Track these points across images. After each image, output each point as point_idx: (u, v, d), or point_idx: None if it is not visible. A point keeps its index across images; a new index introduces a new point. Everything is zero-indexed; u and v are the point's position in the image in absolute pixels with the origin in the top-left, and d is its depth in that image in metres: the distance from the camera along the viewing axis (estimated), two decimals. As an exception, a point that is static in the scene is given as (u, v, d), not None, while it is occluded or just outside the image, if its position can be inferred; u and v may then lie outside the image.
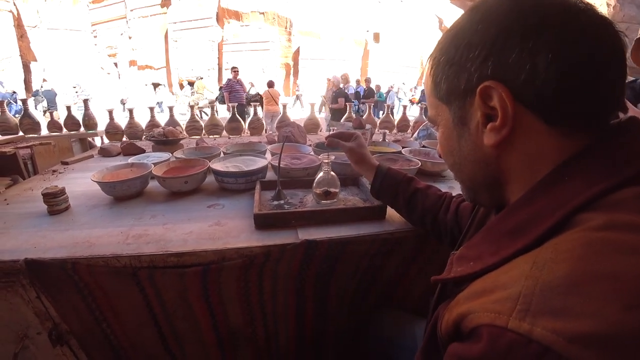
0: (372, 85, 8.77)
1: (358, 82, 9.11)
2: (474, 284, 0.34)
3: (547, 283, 0.26)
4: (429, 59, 0.45)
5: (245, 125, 2.07)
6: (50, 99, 8.39)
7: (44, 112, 7.39)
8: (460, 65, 0.38)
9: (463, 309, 0.31)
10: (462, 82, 0.39)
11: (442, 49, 0.41)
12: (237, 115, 2.01)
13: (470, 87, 0.38)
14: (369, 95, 7.69)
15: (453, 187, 1.15)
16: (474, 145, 0.41)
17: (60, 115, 2.12)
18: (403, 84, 13.08)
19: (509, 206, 0.39)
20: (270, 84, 6.51)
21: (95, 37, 13.33)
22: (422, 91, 6.47)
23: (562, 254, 0.28)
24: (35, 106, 8.17)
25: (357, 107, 7.72)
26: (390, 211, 0.90)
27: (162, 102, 9.47)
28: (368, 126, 1.71)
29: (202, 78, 11.01)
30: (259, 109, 2.24)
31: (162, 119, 1.97)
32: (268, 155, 1.33)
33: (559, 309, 0.25)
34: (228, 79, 6.44)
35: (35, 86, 10.43)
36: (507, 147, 0.38)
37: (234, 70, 6.33)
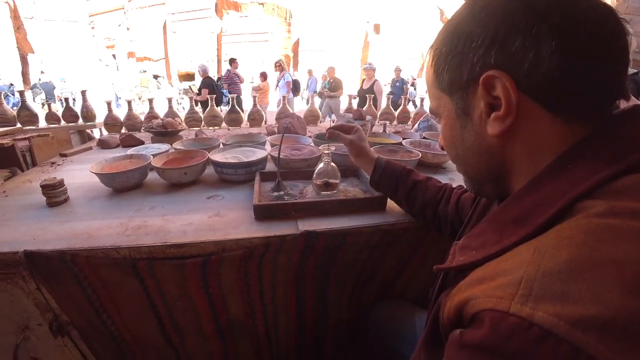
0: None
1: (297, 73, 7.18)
2: (475, 271, 0.34)
3: (549, 269, 0.26)
4: (429, 50, 0.44)
5: (245, 117, 2.06)
6: (49, 91, 8.31)
7: (42, 104, 7.31)
8: (463, 55, 0.38)
9: (465, 296, 0.31)
10: (464, 72, 0.38)
11: (443, 40, 0.41)
12: (236, 106, 1.99)
13: (473, 76, 0.37)
14: (335, 88, 5.82)
15: (453, 179, 1.15)
16: (477, 136, 0.41)
17: (59, 107, 2.09)
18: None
19: (512, 195, 0.39)
20: (264, 76, 6.43)
21: (92, 28, 13.16)
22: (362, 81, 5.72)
23: (564, 241, 0.28)
24: (34, 98, 8.09)
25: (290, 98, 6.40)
26: (391, 202, 0.89)
27: (120, 98, 8.87)
28: (368, 117, 1.70)
29: (145, 71, 10.89)
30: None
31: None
32: (268, 147, 1.32)
33: (560, 293, 0.25)
34: (227, 70, 6.36)
35: (32, 78, 10.34)
36: (511, 137, 0.38)
37: (233, 61, 6.26)
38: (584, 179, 0.32)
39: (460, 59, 0.38)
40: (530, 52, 0.33)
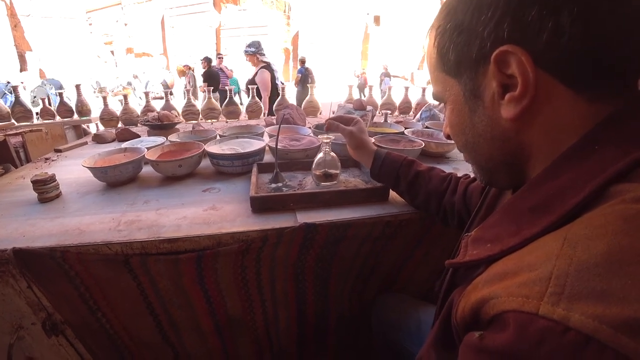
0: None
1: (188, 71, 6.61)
2: (493, 266, 0.30)
3: (584, 262, 0.23)
4: (430, 30, 0.40)
5: (243, 109, 2.02)
6: (59, 87, 8.25)
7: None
8: (471, 30, 0.34)
9: (483, 294, 0.28)
10: (473, 49, 0.34)
11: (447, 15, 0.37)
12: (234, 98, 1.96)
13: (484, 54, 0.33)
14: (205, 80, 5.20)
15: (458, 169, 1.12)
16: (489, 120, 0.37)
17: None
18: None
19: (529, 181, 0.35)
20: None
21: (90, 24, 13.09)
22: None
23: (598, 230, 0.24)
24: (48, 94, 7.97)
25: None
26: (394, 193, 0.86)
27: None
28: (369, 108, 1.66)
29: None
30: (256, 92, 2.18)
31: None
32: (266, 138, 1.29)
33: (599, 291, 0.21)
34: (212, 65, 6.52)
35: (30, 76, 10.30)
36: (528, 119, 0.34)
37: (219, 57, 6.53)
38: (615, 160, 0.28)
39: (468, 35, 0.34)
40: (549, 22, 0.29)
